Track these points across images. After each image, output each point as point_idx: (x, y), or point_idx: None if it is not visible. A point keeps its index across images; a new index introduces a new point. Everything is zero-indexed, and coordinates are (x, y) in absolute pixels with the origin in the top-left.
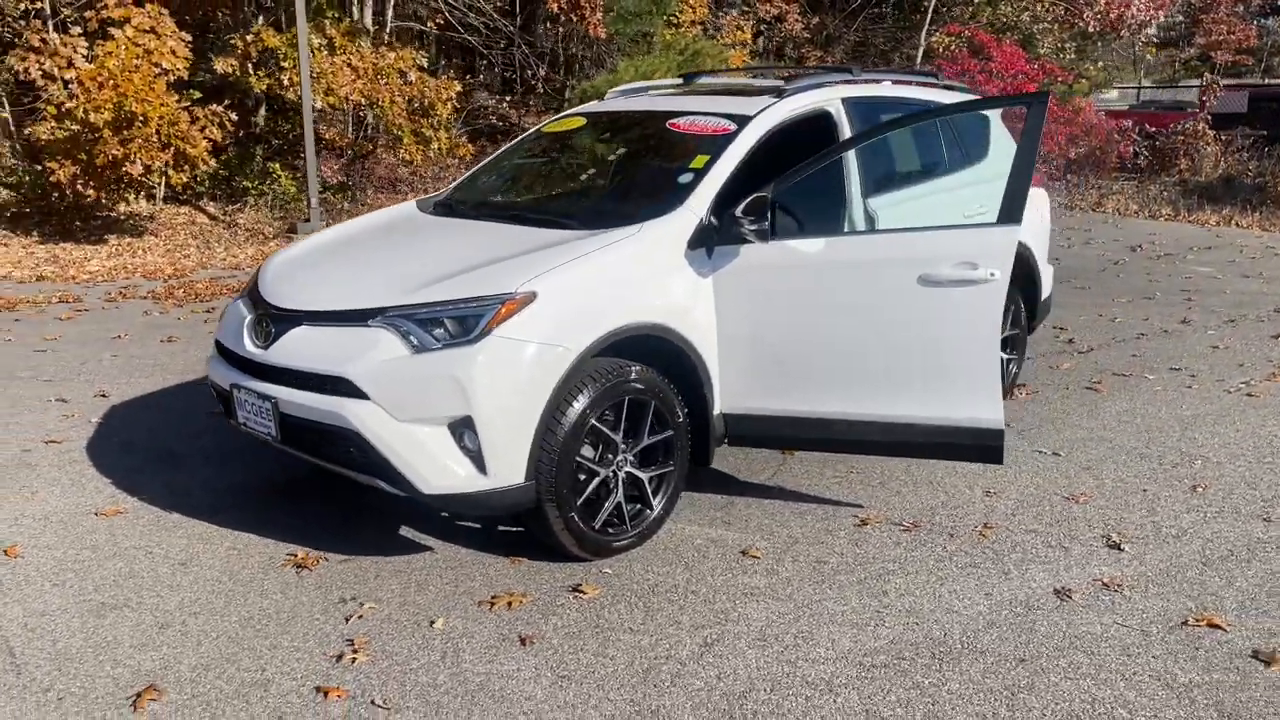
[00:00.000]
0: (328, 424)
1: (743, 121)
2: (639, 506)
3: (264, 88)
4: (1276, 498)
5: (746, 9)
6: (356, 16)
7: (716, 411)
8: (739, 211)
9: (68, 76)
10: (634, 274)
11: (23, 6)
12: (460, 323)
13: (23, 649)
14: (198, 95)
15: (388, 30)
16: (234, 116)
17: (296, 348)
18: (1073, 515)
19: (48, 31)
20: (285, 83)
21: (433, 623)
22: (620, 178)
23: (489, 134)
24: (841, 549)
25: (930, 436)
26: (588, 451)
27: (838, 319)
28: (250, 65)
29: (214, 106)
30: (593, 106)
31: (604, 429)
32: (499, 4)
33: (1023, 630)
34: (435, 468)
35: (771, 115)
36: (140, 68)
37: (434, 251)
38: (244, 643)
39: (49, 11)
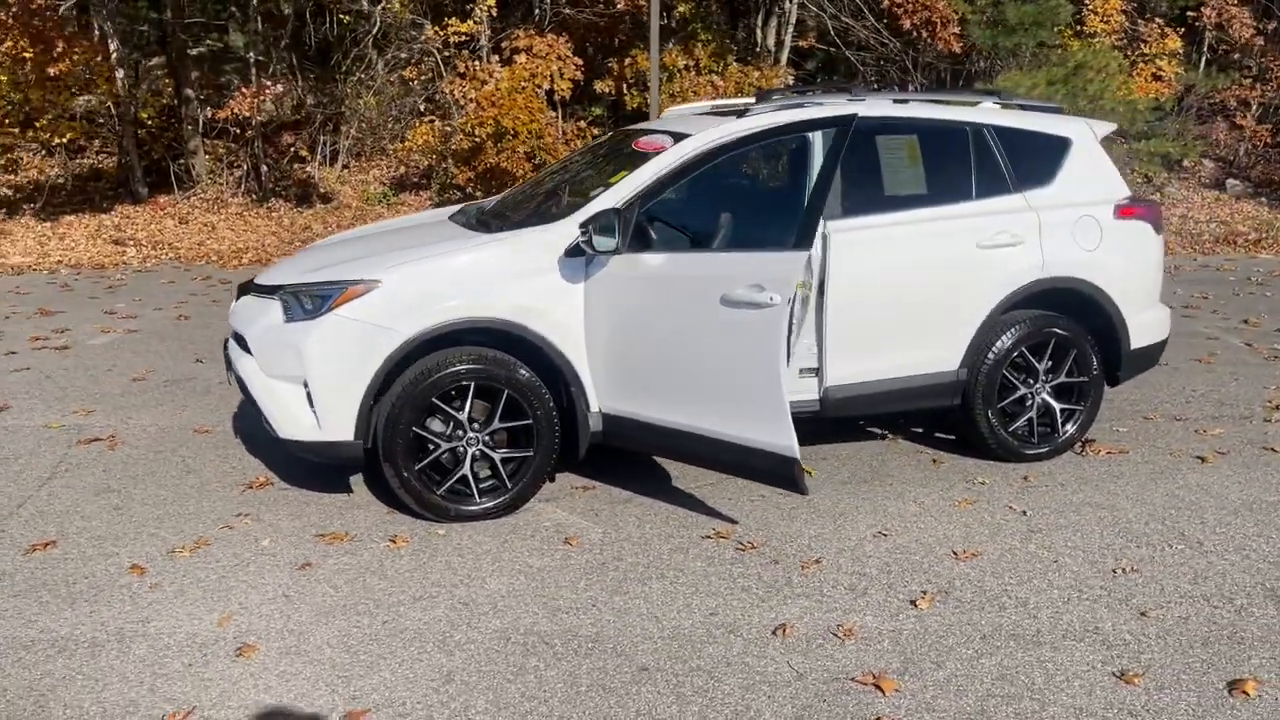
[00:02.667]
0: (235, 374)
1: (679, 139)
2: (494, 483)
3: (635, 105)
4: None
5: (1179, 14)
6: (760, 40)
7: (595, 410)
8: (580, 223)
9: (471, 96)
10: (490, 274)
11: (461, 38)
12: (315, 301)
13: None
14: (597, 112)
15: (785, 49)
16: (595, 131)
17: (239, 312)
18: (922, 567)
19: (471, 59)
20: (641, 101)
21: (259, 540)
22: (565, 191)
23: None
24: (649, 550)
25: (737, 456)
26: (437, 425)
27: (666, 332)
28: (625, 85)
29: (580, 122)
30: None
31: (446, 408)
32: (866, 22)
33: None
34: (288, 417)
35: (713, 135)
36: (525, 89)
37: (372, 247)
38: None
39: (483, 42)
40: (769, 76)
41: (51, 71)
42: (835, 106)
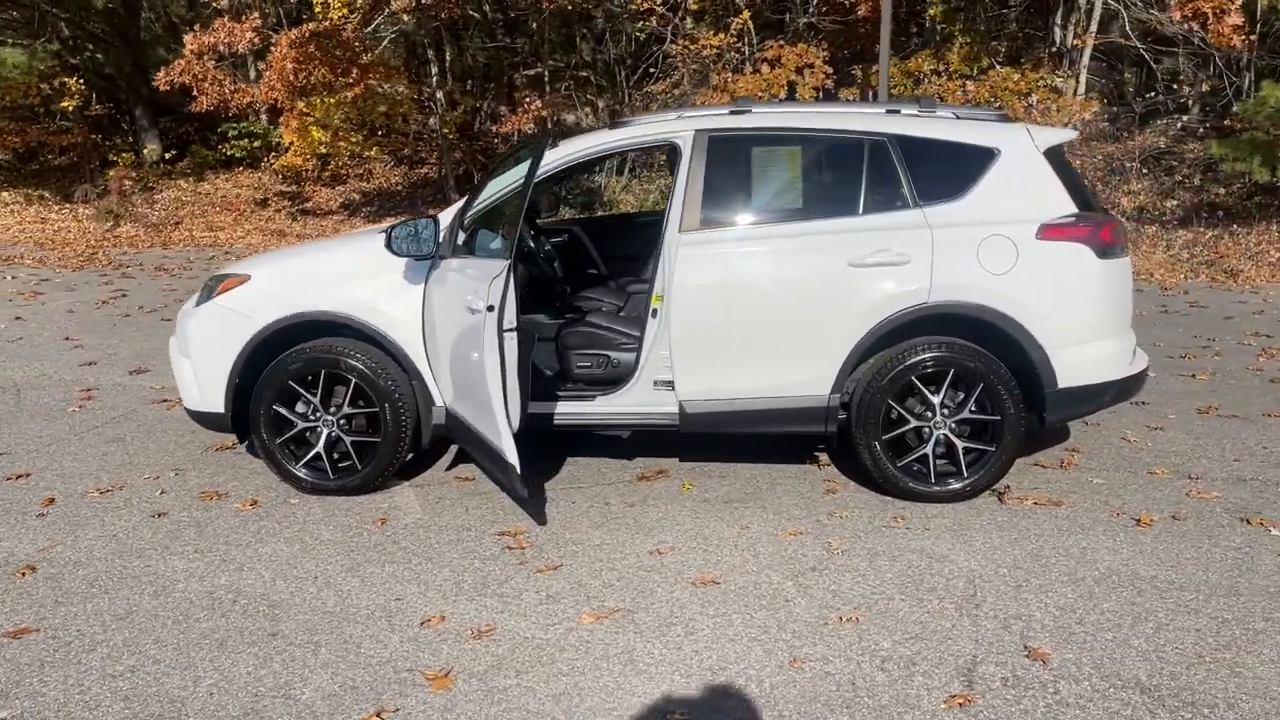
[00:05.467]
0: None
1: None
2: (350, 463)
3: None
4: None
5: None
6: (1060, 38)
7: (439, 404)
8: (392, 230)
9: None
10: (340, 273)
11: (713, 50)
12: (207, 290)
13: None
14: None
15: (1087, 50)
16: None
17: None
18: (645, 586)
19: (724, 72)
20: None
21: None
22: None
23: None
24: (429, 540)
25: (493, 460)
26: (300, 407)
27: (450, 333)
28: (871, 93)
29: None
30: None
31: (300, 389)
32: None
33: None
34: (185, 389)
35: (573, 147)
36: (763, 98)
37: (300, 246)
38: None
39: (729, 54)
40: (1030, 78)
41: (348, 95)
42: (686, 121)
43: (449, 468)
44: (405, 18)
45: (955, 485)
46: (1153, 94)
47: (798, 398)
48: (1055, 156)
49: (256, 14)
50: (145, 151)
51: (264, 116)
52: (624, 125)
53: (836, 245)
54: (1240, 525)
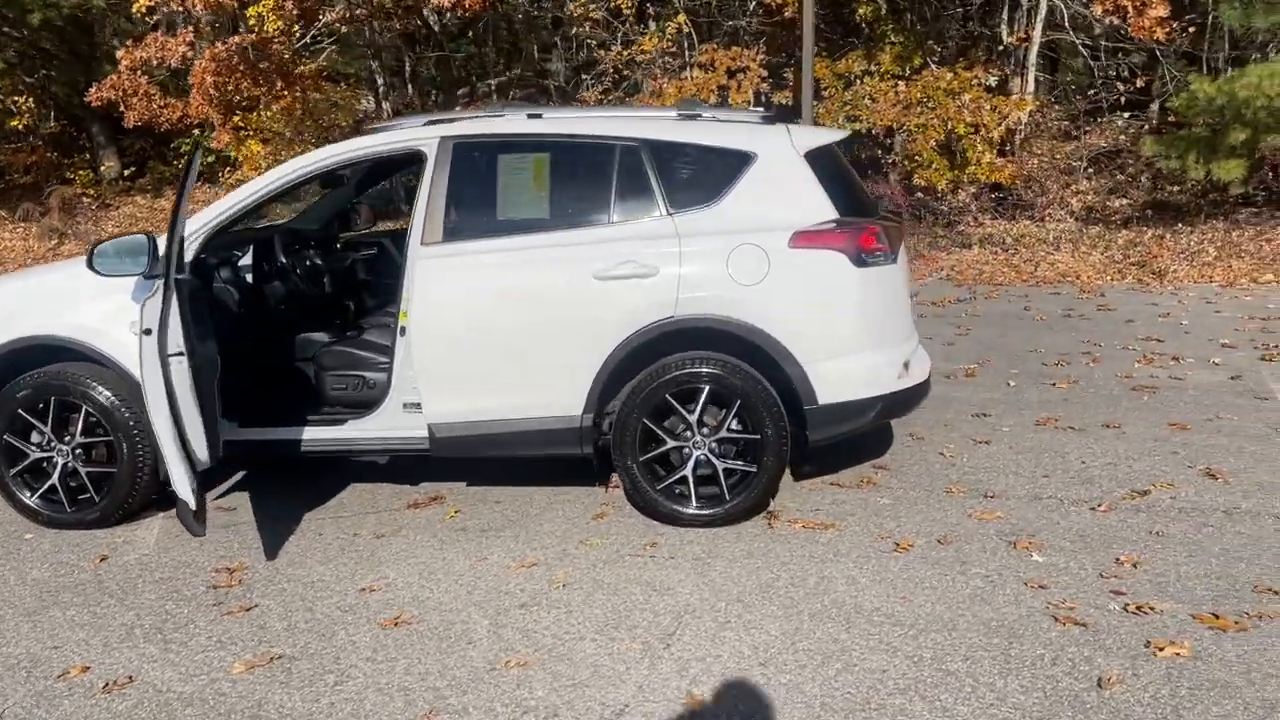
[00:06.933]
0: None
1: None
2: (88, 495)
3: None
4: None
5: None
6: (1005, 36)
7: None
8: (95, 248)
9: None
10: (66, 294)
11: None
12: None
13: None
14: None
15: (1034, 45)
16: None
17: None
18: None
19: (661, 78)
20: (823, 110)
21: None
22: None
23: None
24: (137, 572)
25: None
26: (36, 436)
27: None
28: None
29: None
30: None
31: (31, 418)
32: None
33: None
34: None
35: (306, 160)
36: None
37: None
38: None
39: (658, 61)
40: (963, 78)
41: (275, 108)
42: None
43: (216, 498)
44: (342, 28)
45: (715, 509)
46: (1093, 91)
47: (549, 418)
48: (820, 159)
49: (191, 29)
50: (103, 169)
51: (197, 131)
52: (371, 133)
53: (582, 257)
54: (1003, 549)
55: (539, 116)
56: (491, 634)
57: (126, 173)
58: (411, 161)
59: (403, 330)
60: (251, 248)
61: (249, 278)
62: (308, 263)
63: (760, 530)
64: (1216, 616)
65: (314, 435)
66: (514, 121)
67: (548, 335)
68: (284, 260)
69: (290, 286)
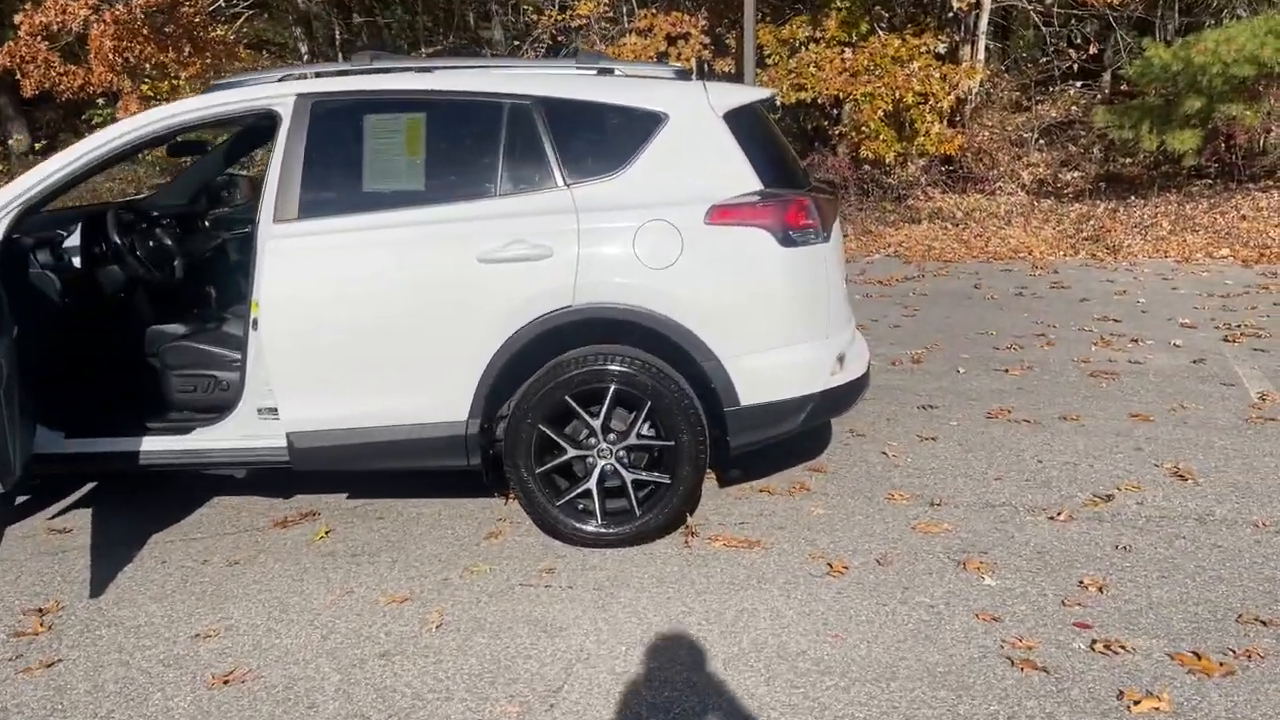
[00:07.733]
0: None
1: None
2: None
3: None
4: None
5: None
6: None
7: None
8: None
9: None
10: None
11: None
12: None
13: None
14: None
15: (985, 12)
16: None
17: None
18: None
19: (599, 43)
20: (767, 79)
21: None
22: None
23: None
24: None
25: None
26: None
27: None
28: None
29: None
30: None
31: None
32: None
33: None
34: None
35: (137, 121)
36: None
37: None
38: None
39: (594, 25)
40: (910, 45)
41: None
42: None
43: (52, 517)
44: None
45: (624, 527)
46: (1045, 59)
47: (428, 425)
48: (742, 121)
49: None
50: (12, 141)
51: (101, 100)
52: (217, 89)
53: (464, 236)
54: (951, 571)
55: (423, 70)
56: (340, 693)
57: (38, 146)
58: (268, 123)
59: (255, 323)
60: (79, 227)
61: (76, 262)
62: (151, 243)
63: (675, 550)
64: (1198, 656)
65: (155, 447)
66: (384, 76)
67: (423, 328)
68: (118, 240)
69: (129, 271)
